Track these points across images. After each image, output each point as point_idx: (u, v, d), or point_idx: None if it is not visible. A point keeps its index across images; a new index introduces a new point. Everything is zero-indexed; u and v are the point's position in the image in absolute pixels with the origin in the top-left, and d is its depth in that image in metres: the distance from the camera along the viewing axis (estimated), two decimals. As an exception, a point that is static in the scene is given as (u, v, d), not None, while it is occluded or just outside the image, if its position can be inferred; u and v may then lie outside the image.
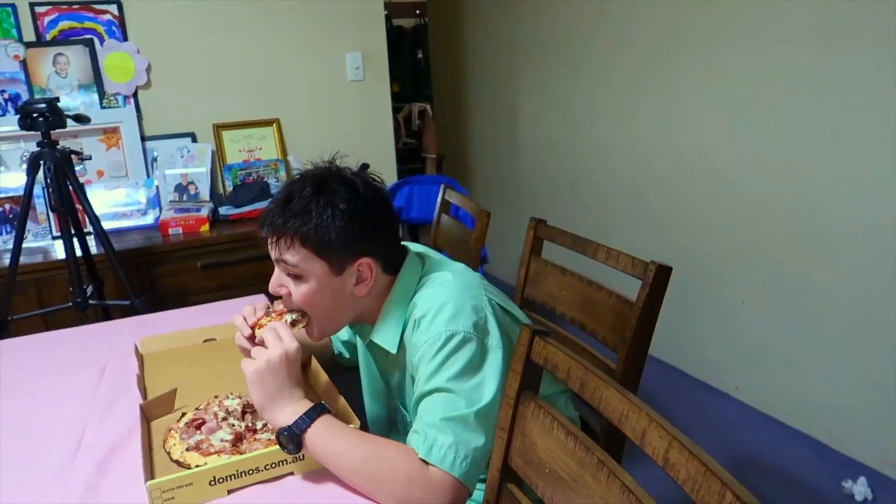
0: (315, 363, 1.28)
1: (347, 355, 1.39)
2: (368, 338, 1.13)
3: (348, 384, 1.23)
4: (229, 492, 0.95)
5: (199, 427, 1.09)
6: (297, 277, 1.04)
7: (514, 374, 0.87)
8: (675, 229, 2.77)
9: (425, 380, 0.97)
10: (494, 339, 1.00)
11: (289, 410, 0.95)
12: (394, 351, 1.09)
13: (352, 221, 1.02)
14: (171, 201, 2.61)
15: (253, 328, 1.11)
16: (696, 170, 2.63)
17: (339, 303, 1.08)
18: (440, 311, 1.00)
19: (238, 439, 1.06)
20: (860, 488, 2.07)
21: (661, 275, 1.11)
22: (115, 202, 2.56)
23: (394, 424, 1.25)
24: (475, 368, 0.97)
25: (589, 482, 0.71)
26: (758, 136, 2.34)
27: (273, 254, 1.05)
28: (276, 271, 1.08)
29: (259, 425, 1.10)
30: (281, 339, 0.99)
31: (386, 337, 1.09)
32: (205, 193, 2.66)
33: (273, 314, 1.13)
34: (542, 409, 0.83)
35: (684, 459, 0.58)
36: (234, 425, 1.10)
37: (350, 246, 1.03)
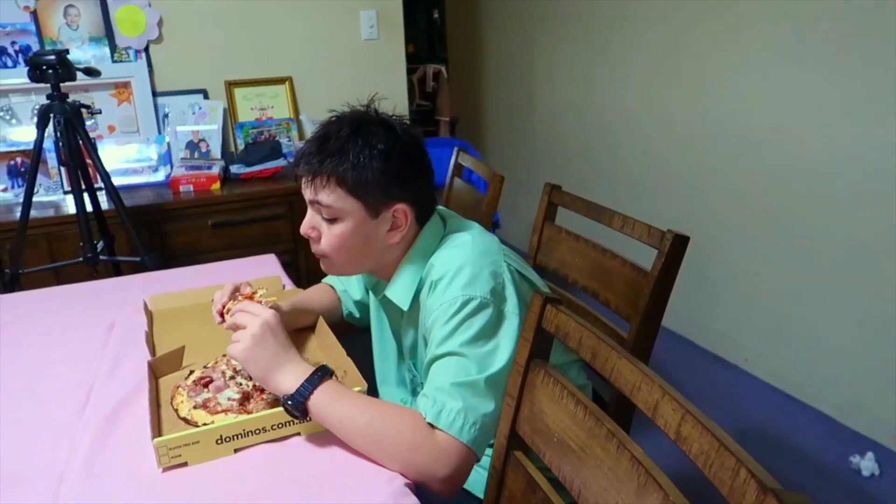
0: (323, 324, 1.27)
1: (358, 315, 1.38)
2: (382, 293, 1.12)
3: (356, 345, 1.22)
4: (236, 450, 0.95)
5: (206, 385, 1.08)
6: (331, 219, 1.03)
7: (525, 341, 0.86)
8: (691, 198, 2.72)
9: (438, 343, 0.96)
10: (511, 306, 0.99)
11: (290, 377, 0.94)
12: (405, 308, 1.08)
13: (389, 163, 1.01)
14: (182, 158, 2.59)
15: (222, 314, 1.12)
16: (715, 138, 2.57)
17: (369, 248, 1.07)
18: (457, 275, 0.98)
19: (245, 398, 1.06)
20: (867, 463, 2.07)
21: (678, 244, 1.08)
22: (126, 158, 2.55)
23: (403, 385, 1.25)
24: (489, 334, 0.96)
25: (598, 453, 0.70)
26: (781, 103, 2.28)
27: (307, 194, 1.04)
28: (309, 213, 1.07)
29: (266, 385, 1.10)
30: (253, 312, 0.99)
31: (400, 293, 1.08)
32: (216, 151, 2.64)
33: (240, 297, 1.13)
34: (552, 377, 0.81)
35: (697, 434, 0.57)
36: (241, 384, 1.09)
37: (386, 188, 1.02)
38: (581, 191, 1.44)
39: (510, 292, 1.00)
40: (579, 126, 3.35)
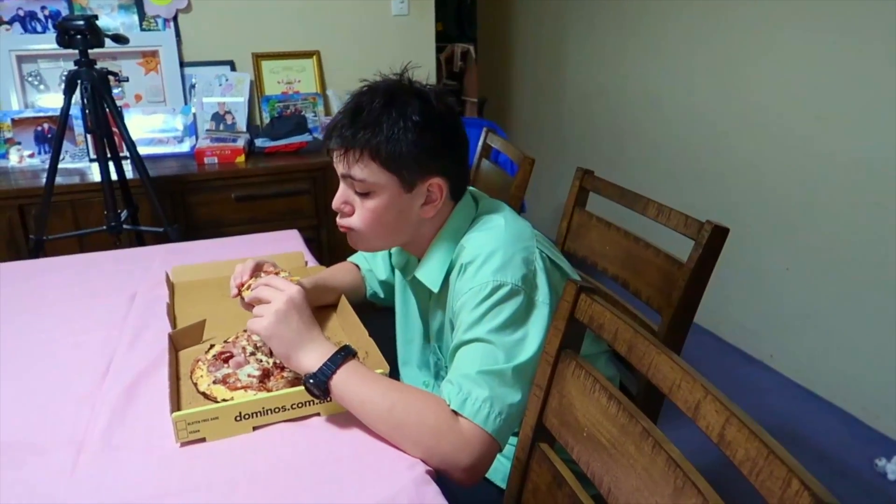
0: (345, 303, 1.25)
1: (383, 295, 1.36)
2: (412, 274, 1.09)
3: (375, 326, 1.20)
4: (254, 428, 0.94)
5: (226, 360, 1.07)
6: (365, 194, 1.01)
7: (556, 330, 0.83)
8: (722, 188, 2.66)
9: (465, 328, 0.93)
10: (542, 295, 0.95)
11: (313, 355, 0.92)
12: (436, 290, 1.05)
13: (424, 135, 0.98)
14: (207, 130, 2.58)
15: (239, 290, 1.09)
16: (751, 127, 2.50)
17: (402, 223, 1.04)
18: (489, 259, 0.95)
19: (265, 375, 1.04)
20: (893, 467, 2.02)
21: (717, 236, 1.04)
22: (152, 128, 2.54)
23: (426, 367, 1.22)
24: (519, 322, 0.93)
25: (631, 451, 0.67)
26: (822, 94, 2.20)
27: (340, 168, 1.01)
28: (342, 188, 1.04)
29: (286, 363, 1.08)
30: (278, 287, 0.96)
31: (430, 274, 1.06)
32: (241, 124, 2.62)
33: (263, 276, 1.10)
34: (584, 369, 0.78)
35: (743, 439, 0.53)
36: (261, 361, 1.08)
37: (421, 161, 0.99)
38: (607, 176, 1.40)
39: (541, 280, 0.97)
40: (608, 111, 3.28)
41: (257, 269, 1.12)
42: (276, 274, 1.11)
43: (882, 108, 2.02)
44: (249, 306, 1.10)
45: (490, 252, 0.96)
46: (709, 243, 1.04)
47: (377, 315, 1.37)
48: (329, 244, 2.52)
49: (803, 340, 2.43)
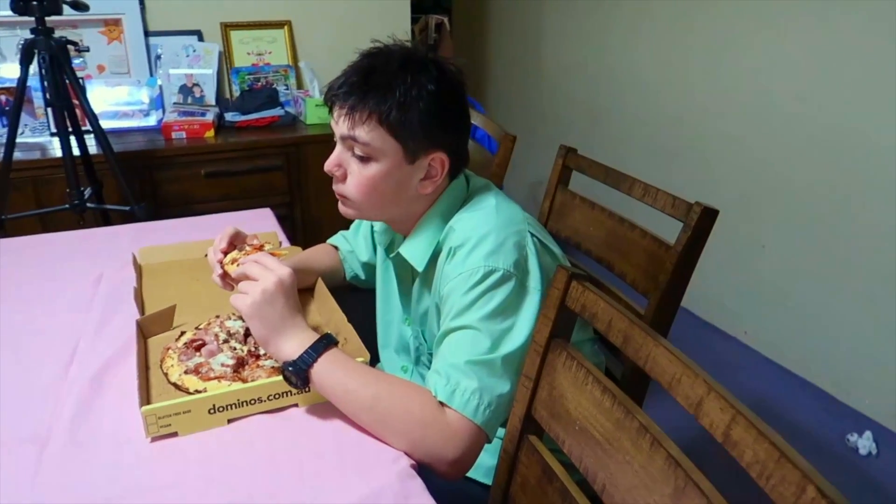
0: (322, 287, 1.21)
1: (364, 277, 1.31)
2: (396, 250, 1.05)
3: (356, 309, 1.16)
4: (229, 421, 0.89)
5: (198, 349, 1.02)
6: (365, 158, 0.96)
7: (546, 319, 0.79)
8: (700, 164, 2.65)
9: (454, 315, 0.90)
10: (534, 281, 0.92)
11: (293, 342, 0.88)
12: (420, 269, 1.02)
13: (436, 105, 0.93)
14: (174, 103, 2.48)
15: (222, 264, 1.04)
16: (731, 103, 2.49)
17: (398, 195, 1.00)
18: (480, 243, 0.92)
19: (240, 364, 0.99)
20: (865, 442, 2.05)
21: (706, 218, 1.02)
22: (117, 100, 2.44)
23: (405, 352, 1.19)
24: (510, 310, 0.89)
25: (626, 447, 0.65)
26: (807, 67, 2.19)
27: (341, 128, 0.95)
28: (338, 149, 0.99)
29: (262, 350, 1.03)
30: (269, 266, 0.91)
31: (415, 252, 1.02)
32: (210, 97, 2.53)
33: (248, 249, 1.05)
34: (575, 360, 0.75)
35: (751, 440, 0.51)
36: (235, 349, 1.03)
37: (429, 133, 0.94)
38: (585, 153, 1.36)
39: (533, 265, 0.94)
40: (587, 86, 3.24)
41: (238, 240, 1.07)
42: (261, 247, 1.05)
43: (862, 87, 2.02)
44: (230, 285, 1.05)
45: (481, 235, 0.92)
46: (698, 225, 1.02)
47: (354, 296, 1.33)
48: (303, 222, 2.46)
49: (777, 317, 2.45)
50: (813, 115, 2.18)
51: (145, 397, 0.91)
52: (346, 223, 1.20)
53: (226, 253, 1.04)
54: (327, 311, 1.16)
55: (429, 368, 1.13)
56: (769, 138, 2.36)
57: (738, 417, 0.53)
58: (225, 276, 1.04)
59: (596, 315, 0.72)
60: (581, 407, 0.72)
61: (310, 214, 2.47)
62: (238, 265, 0.99)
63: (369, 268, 1.29)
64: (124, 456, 0.84)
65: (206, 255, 1.37)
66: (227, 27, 2.59)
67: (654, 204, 1.13)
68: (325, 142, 2.45)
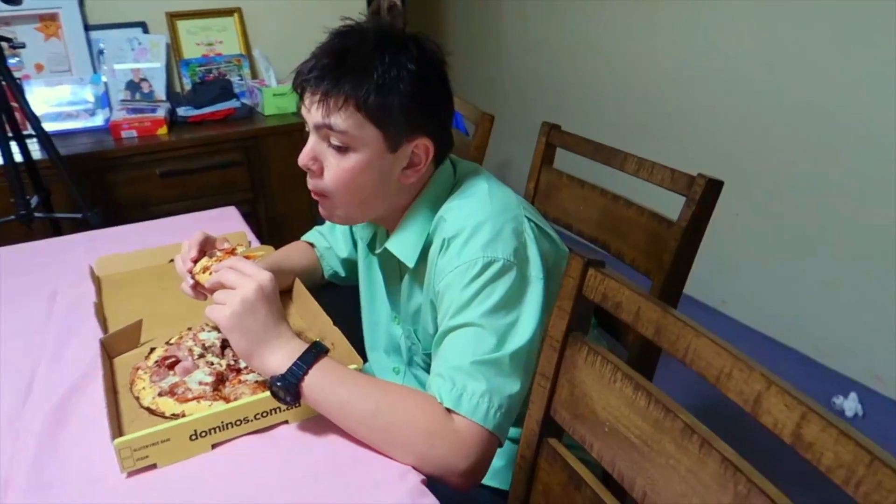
0: (301, 288, 1.12)
1: (344, 274, 1.23)
2: (383, 246, 0.97)
3: (339, 309, 1.07)
4: (213, 446, 0.81)
5: (171, 367, 0.93)
6: (343, 149, 0.87)
7: (562, 311, 0.72)
8: (670, 134, 2.61)
9: (454, 312, 0.82)
10: (535, 269, 0.85)
11: (280, 354, 0.79)
12: (411, 265, 0.93)
13: (418, 87, 0.85)
14: (122, 100, 2.34)
15: (192, 274, 0.94)
16: (699, 73, 2.45)
17: (381, 188, 0.91)
18: (476, 233, 0.84)
19: (219, 381, 0.91)
20: (851, 404, 2.05)
21: (711, 190, 0.96)
22: (59, 100, 2.28)
23: (396, 352, 1.11)
24: (513, 303, 0.82)
25: (670, 450, 0.58)
26: (772, 36, 2.16)
27: (315, 116, 0.86)
28: (313, 140, 0.89)
29: (243, 363, 0.95)
30: (246, 272, 0.82)
31: (404, 247, 0.94)
32: (160, 92, 2.38)
33: (219, 254, 0.95)
34: (599, 355, 0.69)
35: (831, 441, 0.45)
36: (213, 364, 0.94)
37: (411, 117, 0.86)
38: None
39: (533, 252, 0.86)
40: (552, 63, 3.18)
41: (207, 245, 0.97)
42: (233, 251, 0.96)
43: (830, 54, 1.99)
44: (202, 294, 0.95)
45: (477, 224, 0.85)
46: (703, 198, 0.96)
47: (335, 295, 1.24)
48: (268, 219, 2.35)
49: (755, 285, 2.44)
50: (781, 82, 2.16)
51: (117, 427, 0.82)
52: (315, 217, 1.11)
53: (195, 261, 0.94)
54: (310, 314, 1.07)
55: (423, 369, 1.06)
56: (738, 107, 2.33)
57: (809, 415, 0.47)
58: (197, 285, 0.94)
59: (620, 304, 0.65)
60: (610, 406, 0.66)
61: (275, 211, 2.36)
62: (211, 273, 0.90)
63: (350, 264, 1.21)
64: (98, 495, 0.74)
65: (171, 261, 1.28)
66: (172, 17, 2.44)
67: (651, 178, 1.07)
68: (287, 133, 2.36)
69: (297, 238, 1.28)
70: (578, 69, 3.02)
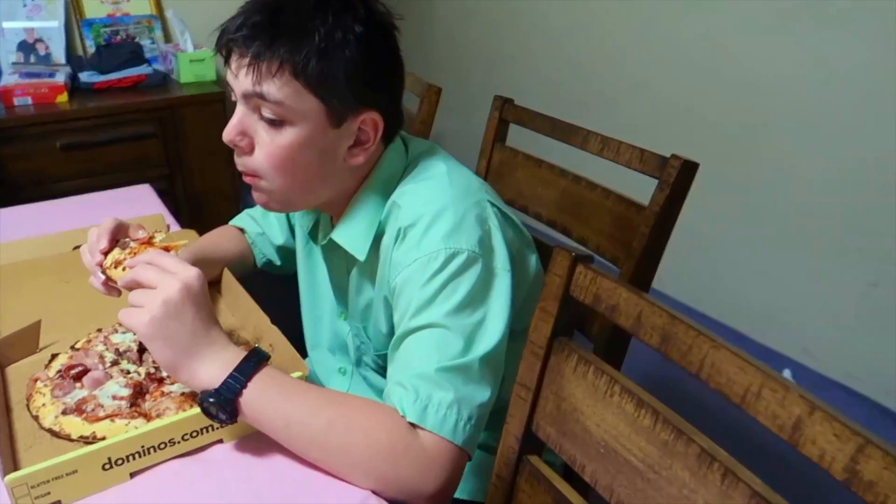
0: (231, 280, 0.99)
1: (279, 263, 1.10)
2: (327, 237, 0.85)
3: (273, 302, 0.95)
4: (132, 475, 0.68)
5: (78, 377, 0.79)
6: (277, 122, 0.74)
7: (546, 314, 0.63)
8: (608, 113, 2.57)
9: (414, 312, 0.72)
10: (501, 260, 0.76)
11: (212, 365, 0.67)
12: (362, 258, 0.82)
13: (368, 54, 0.73)
14: (14, 63, 2.08)
15: (103, 268, 0.79)
16: (633, 48, 2.41)
17: (323, 169, 0.79)
18: (436, 221, 0.74)
19: (137, 393, 0.77)
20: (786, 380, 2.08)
21: (686, 172, 0.89)
22: (-63, 62, 2.01)
23: (342, 351, 1.00)
24: (479, 299, 0.73)
25: (683, 478, 0.51)
26: (702, 10, 2.13)
27: (243, 83, 0.73)
28: (240, 112, 0.76)
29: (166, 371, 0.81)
30: (167, 269, 0.68)
31: (353, 238, 0.82)
32: (59, 55, 2.14)
33: (133, 245, 0.81)
34: (591, 364, 0.60)
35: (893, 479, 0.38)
36: (129, 372, 0.80)
37: (357, 88, 0.74)
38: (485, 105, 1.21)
39: (498, 242, 0.77)
40: (488, 33, 3.07)
41: (120, 233, 0.82)
42: (150, 240, 0.81)
43: (758, 29, 1.98)
44: (115, 290, 0.81)
45: (436, 212, 0.75)
46: (677, 181, 0.88)
47: (266, 283, 1.11)
48: (187, 197, 2.16)
49: (688, 263, 2.44)
50: (716, 54, 2.14)
51: (10, 457, 0.68)
52: (240, 196, 0.98)
53: (106, 253, 0.79)
54: (242, 310, 0.94)
55: (374, 370, 0.96)
56: (676, 80, 2.30)
57: (868, 449, 0.39)
58: (109, 280, 0.79)
59: (617, 307, 0.57)
60: (605, 424, 0.58)
61: (194, 188, 2.17)
62: (124, 269, 0.75)
63: (286, 252, 1.08)
64: (-14, 546, 0.61)
65: (76, 248, 1.12)
66: (71, -30, 2.19)
67: (617, 159, 0.99)
68: (205, 103, 2.16)
69: (220, 219, 1.14)
70: (516, 41, 2.92)
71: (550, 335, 0.63)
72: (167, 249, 0.78)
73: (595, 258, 0.73)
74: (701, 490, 0.49)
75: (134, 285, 0.70)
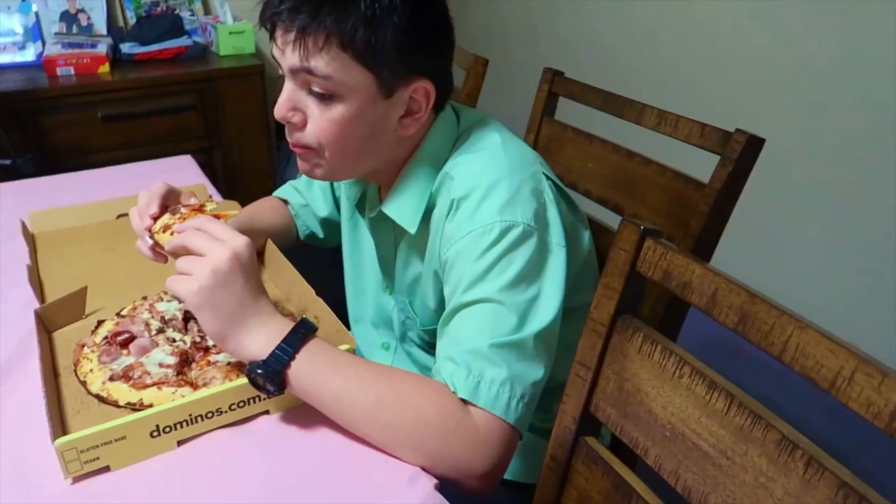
0: (274, 252, 0.97)
1: (322, 235, 1.08)
2: (377, 209, 0.83)
3: (315, 275, 0.93)
4: (179, 443, 0.67)
5: (125, 344, 0.78)
6: (327, 97, 0.71)
7: (610, 290, 0.60)
8: (648, 87, 2.49)
9: (467, 286, 0.70)
10: (556, 235, 0.73)
11: (260, 336, 0.65)
12: (413, 232, 0.80)
13: (415, 19, 0.70)
14: (56, 34, 2.09)
15: (151, 233, 0.77)
16: (680, 20, 2.33)
17: (374, 141, 0.76)
18: (490, 193, 0.71)
19: (183, 362, 0.76)
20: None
21: (751, 148, 0.84)
22: (-18, 31, 2.02)
23: (386, 326, 0.98)
24: (534, 275, 0.70)
25: (760, 465, 0.48)
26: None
27: (290, 59, 0.70)
28: (289, 88, 0.73)
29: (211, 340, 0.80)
30: (217, 236, 0.67)
31: (404, 211, 0.80)
32: (100, 26, 2.15)
33: (183, 211, 0.79)
34: (659, 344, 0.57)
35: None
36: (175, 341, 0.80)
37: (408, 57, 0.71)
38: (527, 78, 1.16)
39: (553, 216, 0.74)
40: (527, 1, 3.01)
41: (171, 199, 0.80)
42: (201, 207, 0.79)
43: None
44: (163, 256, 0.80)
45: (491, 183, 0.72)
46: (741, 158, 0.84)
47: (307, 256, 1.10)
48: (224, 170, 2.16)
49: (745, 243, 2.36)
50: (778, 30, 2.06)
51: (59, 422, 0.67)
52: (275, 169, 0.96)
53: (156, 218, 0.78)
54: (286, 282, 0.93)
55: (419, 346, 0.94)
56: (726, 56, 2.22)
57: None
58: (157, 245, 0.78)
59: (689, 284, 0.54)
60: (673, 406, 0.55)
61: (231, 160, 2.17)
62: (173, 234, 0.74)
63: (329, 224, 1.06)
64: (36, 507, 0.60)
65: (118, 217, 1.11)
66: (113, -60, 2.19)
67: (675, 134, 0.95)
68: (244, 76, 2.15)
69: (257, 192, 1.13)
70: (562, 9, 2.84)
71: (614, 313, 0.60)
72: (217, 218, 0.76)
73: (659, 234, 0.70)
74: (780, 479, 0.46)
75: (181, 250, 0.69)
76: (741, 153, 0.84)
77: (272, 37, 0.73)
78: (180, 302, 0.86)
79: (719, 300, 0.51)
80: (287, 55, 0.70)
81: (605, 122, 1.12)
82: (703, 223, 0.88)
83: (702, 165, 0.96)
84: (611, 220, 1.06)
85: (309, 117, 0.73)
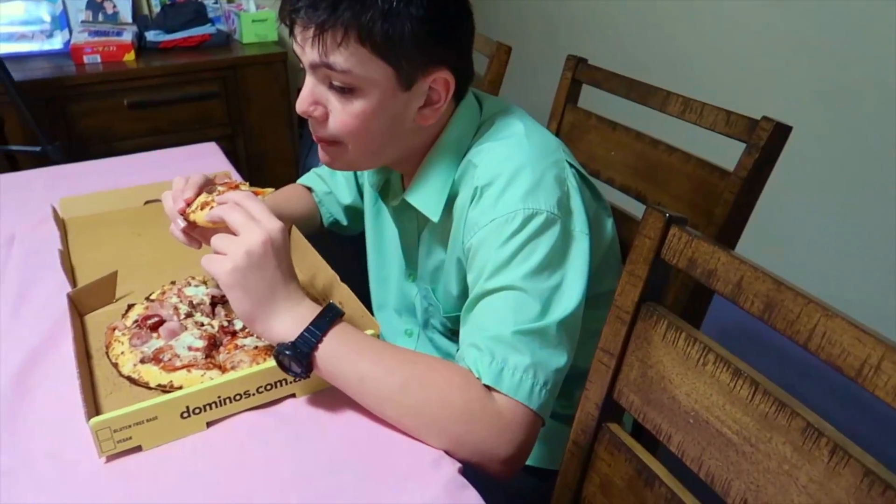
0: (300, 238, 0.98)
1: (346, 223, 1.09)
2: (399, 197, 0.84)
3: (338, 262, 0.94)
4: (209, 424, 0.69)
5: (155, 328, 0.80)
6: (347, 91, 0.72)
7: (634, 277, 0.61)
8: (670, 74, 2.47)
9: (490, 273, 0.70)
10: (579, 222, 0.73)
11: (288, 319, 0.67)
12: (436, 219, 0.80)
13: (435, 10, 0.70)
14: (83, 22, 2.12)
15: (185, 215, 0.78)
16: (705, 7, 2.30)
17: (395, 132, 0.77)
18: (514, 181, 0.71)
19: (212, 345, 0.78)
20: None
21: (778, 136, 0.84)
22: (11, 19, 2.05)
23: (409, 313, 0.99)
24: (557, 262, 0.70)
25: (784, 453, 0.48)
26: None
27: (310, 55, 0.71)
28: (310, 82, 0.74)
29: (239, 324, 0.82)
30: (254, 216, 0.68)
31: (427, 199, 0.80)
32: (126, 14, 2.17)
33: (220, 189, 0.80)
34: (683, 331, 0.57)
35: None
36: (203, 325, 0.81)
37: (427, 48, 0.71)
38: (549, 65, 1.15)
39: (576, 203, 0.74)
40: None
41: (207, 188, 0.80)
42: (237, 187, 0.79)
43: None
44: (196, 241, 0.81)
45: (514, 170, 0.72)
46: (768, 145, 0.84)
47: (330, 244, 1.11)
48: (247, 157, 2.18)
49: (769, 233, 2.34)
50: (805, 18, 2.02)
51: (92, 402, 0.69)
52: (298, 157, 0.97)
53: (189, 203, 0.79)
54: (310, 268, 0.94)
55: (441, 333, 0.95)
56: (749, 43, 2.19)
57: None
58: (190, 227, 0.79)
59: (714, 272, 0.54)
60: (697, 393, 0.55)
61: (254, 148, 2.19)
62: (210, 209, 0.74)
63: (352, 212, 1.07)
64: (70, 485, 0.62)
65: (147, 203, 1.13)
66: (138, -71, 2.21)
67: (700, 121, 0.94)
68: (267, 63, 2.17)
69: (279, 180, 1.14)
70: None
71: (638, 300, 0.60)
72: (255, 194, 0.76)
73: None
74: (805, 466, 0.47)
75: (218, 221, 0.70)
76: (768, 141, 0.83)
77: (292, 33, 0.73)
78: (207, 285, 0.88)
79: (745, 288, 0.52)
80: (307, 51, 0.71)
81: (627, 109, 1.11)
82: (727, 211, 0.87)
83: (723, 154, 0.96)
84: (634, 208, 1.06)
85: (330, 111, 0.74)
